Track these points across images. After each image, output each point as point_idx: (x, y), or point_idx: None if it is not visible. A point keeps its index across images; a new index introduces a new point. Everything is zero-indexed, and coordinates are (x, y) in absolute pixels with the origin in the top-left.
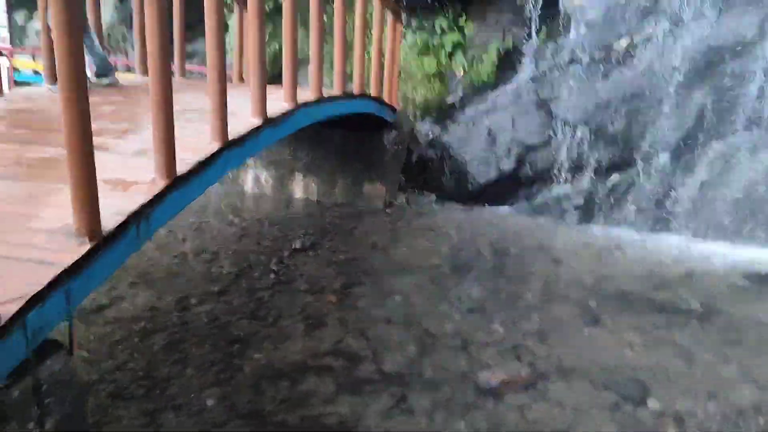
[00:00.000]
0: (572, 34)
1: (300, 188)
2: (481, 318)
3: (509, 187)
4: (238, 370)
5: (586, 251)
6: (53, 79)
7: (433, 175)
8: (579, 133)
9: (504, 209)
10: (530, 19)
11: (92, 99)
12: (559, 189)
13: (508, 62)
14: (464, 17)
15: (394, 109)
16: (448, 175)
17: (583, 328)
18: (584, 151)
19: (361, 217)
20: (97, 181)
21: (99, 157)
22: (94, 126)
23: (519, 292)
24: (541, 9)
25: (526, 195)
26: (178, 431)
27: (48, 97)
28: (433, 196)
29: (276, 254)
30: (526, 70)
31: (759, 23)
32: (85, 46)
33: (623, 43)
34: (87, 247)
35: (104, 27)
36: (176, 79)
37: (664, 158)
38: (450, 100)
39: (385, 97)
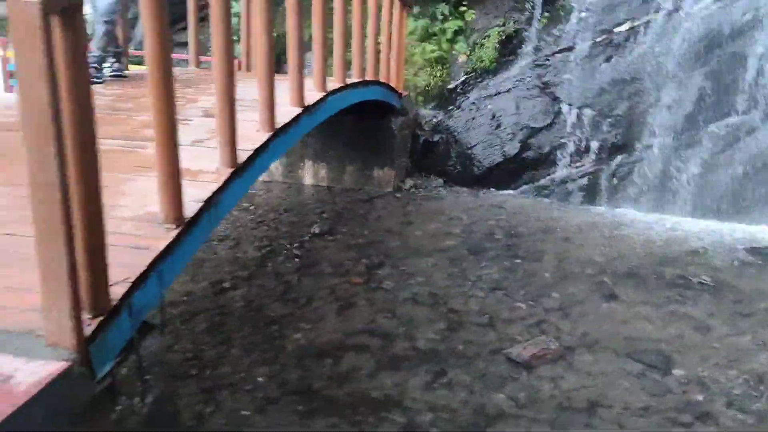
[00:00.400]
0: (574, 18)
1: (309, 174)
2: (503, 296)
3: (514, 170)
4: (281, 350)
5: (593, 231)
6: None
7: (439, 159)
8: (582, 116)
9: (509, 192)
10: (532, 4)
11: (129, 91)
12: (563, 171)
13: (509, 47)
14: (465, 3)
15: (400, 95)
16: (453, 160)
17: (601, 304)
18: (587, 133)
19: (372, 202)
20: None
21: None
22: (143, 118)
23: (535, 270)
24: None
25: (531, 178)
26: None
27: None
28: (440, 181)
29: (296, 239)
30: (528, 54)
31: (756, 7)
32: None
33: (624, 27)
34: (175, 232)
35: None
36: (191, 69)
37: (665, 139)
38: (452, 85)
39: (392, 83)
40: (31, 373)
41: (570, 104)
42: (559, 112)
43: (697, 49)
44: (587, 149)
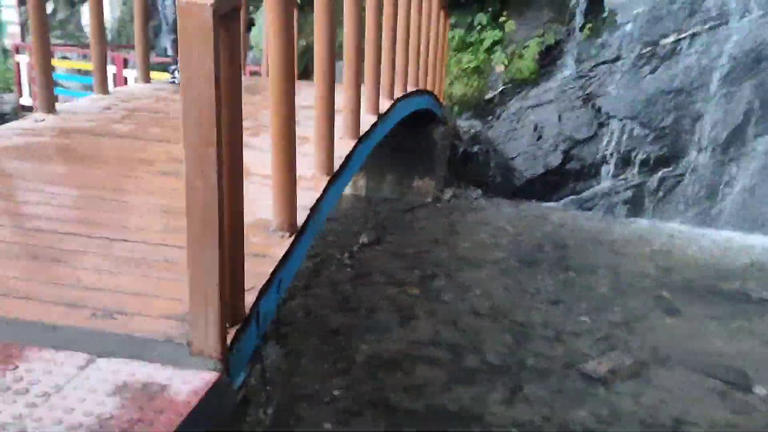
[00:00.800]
0: (618, 30)
1: (349, 184)
2: (564, 309)
3: (556, 181)
4: (351, 361)
5: (641, 244)
6: (146, 77)
7: (478, 170)
8: (626, 128)
9: (551, 204)
10: (573, 15)
11: None
12: (606, 183)
13: (549, 58)
14: (504, 13)
15: (441, 104)
16: (493, 170)
17: (665, 318)
18: (632, 145)
19: (413, 212)
20: (261, 178)
21: (248, 155)
22: None
23: (591, 283)
24: (585, 5)
25: (573, 189)
26: None
27: (151, 96)
28: (479, 191)
29: (345, 249)
30: (570, 65)
31: None
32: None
33: (670, 39)
34: (289, 240)
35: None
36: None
37: (712, 152)
38: (489, 95)
39: (435, 92)
40: (184, 382)
41: (614, 116)
42: (602, 124)
43: (744, 62)
44: (631, 162)
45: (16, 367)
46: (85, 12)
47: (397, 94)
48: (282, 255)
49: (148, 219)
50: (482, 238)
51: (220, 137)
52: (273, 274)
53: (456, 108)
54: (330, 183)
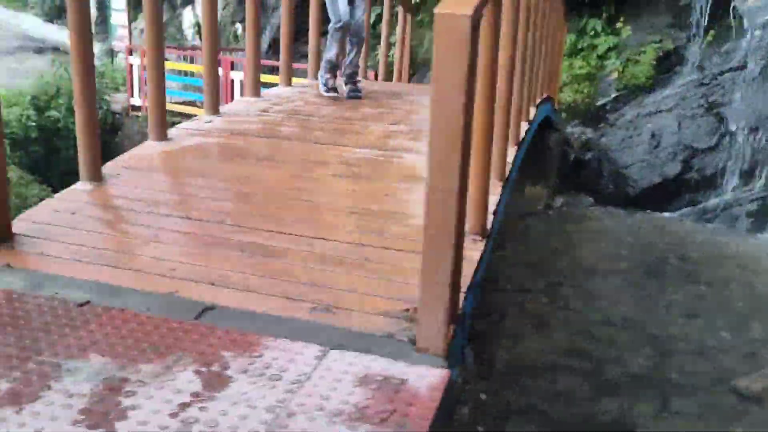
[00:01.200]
0: (744, 37)
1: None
2: (702, 323)
3: (673, 192)
4: (490, 365)
5: None
6: (289, 80)
7: (590, 177)
8: (752, 139)
9: (668, 214)
10: (696, 20)
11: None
12: (728, 195)
13: (665, 64)
14: (620, 19)
15: (556, 110)
16: (606, 179)
17: None
18: (757, 157)
19: (526, 219)
20: None
21: (409, 158)
22: (375, 128)
23: (725, 299)
24: (708, 11)
25: (692, 200)
26: None
27: (298, 99)
28: (590, 200)
29: None
30: (690, 72)
31: None
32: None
33: None
34: (482, 243)
35: None
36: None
37: None
38: (600, 102)
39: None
40: (420, 377)
41: (739, 125)
42: (725, 134)
43: None
44: (756, 174)
45: (261, 354)
46: (186, 15)
47: (537, 101)
48: (479, 257)
49: (338, 219)
50: (601, 247)
51: (465, 145)
52: (473, 276)
53: (565, 114)
54: (504, 187)
